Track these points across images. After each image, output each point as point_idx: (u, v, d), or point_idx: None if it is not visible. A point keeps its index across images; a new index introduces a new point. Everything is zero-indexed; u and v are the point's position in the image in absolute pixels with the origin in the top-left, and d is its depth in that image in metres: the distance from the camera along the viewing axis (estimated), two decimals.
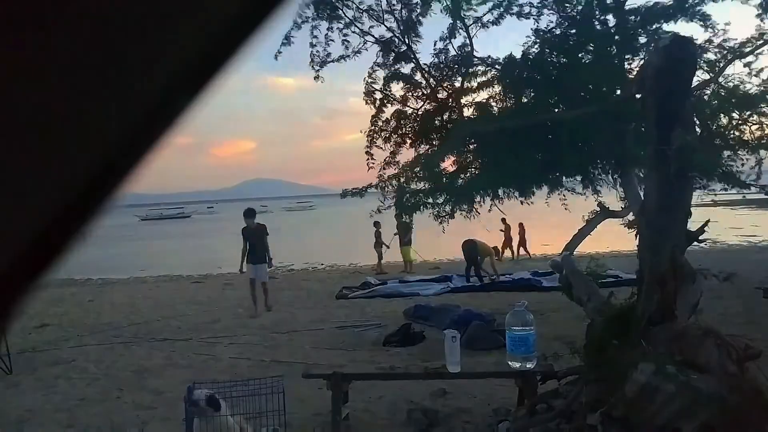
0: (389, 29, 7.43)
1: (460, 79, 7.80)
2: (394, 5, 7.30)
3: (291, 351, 6.75)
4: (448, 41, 7.50)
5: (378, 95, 7.90)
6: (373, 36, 7.42)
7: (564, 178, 7.51)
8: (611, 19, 6.88)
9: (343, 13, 7.15)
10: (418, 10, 7.25)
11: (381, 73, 7.78)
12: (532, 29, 7.13)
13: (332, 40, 7.23)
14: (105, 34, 0.24)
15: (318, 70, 7.40)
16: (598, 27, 6.92)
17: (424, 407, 4.56)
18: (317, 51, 7.26)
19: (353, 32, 7.32)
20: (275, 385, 4.02)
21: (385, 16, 7.37)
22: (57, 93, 0.25)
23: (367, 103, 7.90)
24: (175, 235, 41.69)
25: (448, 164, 7.96)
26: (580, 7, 6.91)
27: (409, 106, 8.06)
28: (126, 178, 0.28)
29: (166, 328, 8.75)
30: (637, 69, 6.84)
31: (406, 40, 7.45)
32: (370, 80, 7.78)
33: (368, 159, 8.04)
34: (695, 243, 3.77)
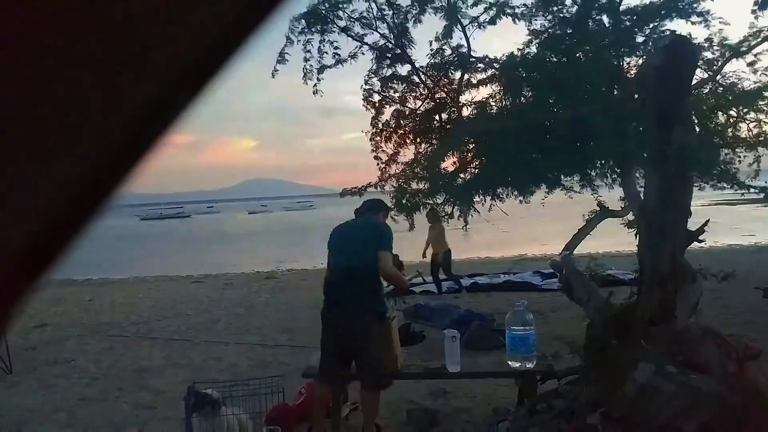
0: (383, 36, 7.44)
1: (457, 78, 7.81)
2: (385, 12, 7.29)
3: (291, 351, 6.75)
4: (444, 42, 7.50)
5: (376, 97, 7.91)
6: (366, 44, 7.43)
7: (563, 177, 7.51)
8: (608, 19, 6.89)
9: (335, 23, 7.15)
10: (413, 13, 7.24)
11: (377, 80, 7.80)
12: (529, 29, 7.14)
13: (326, 53, 7.24)
14: (104, 33, 0.24)
15: (315, 84, 7.41)
16: (595, 26, 6.93)
17: (424, 407, 4.56)
18: (311, 65, 7.27)
19: (348, 36, 7.33)
20: (275, 385, 4.02)
21: (378, 23, 7.36)
22: (56, 93, 0.25)
23: (367, 109, 7.91)
24: (176, 234, 41.70)
25: (448, 164, 7.97)
26: (576, 7, 6.92)
27: (407, 107, 8.07)
28: (126, 178, 0.28)
29: (166, 327, 8.75)
30: (636, 68, 6.85)
31: (400, 45, 7.45)
32: (367, 86, 7.80)
33: (378, 163, 8.04)
34: (695, 242, 3.77)
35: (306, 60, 7.24)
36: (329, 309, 3.88)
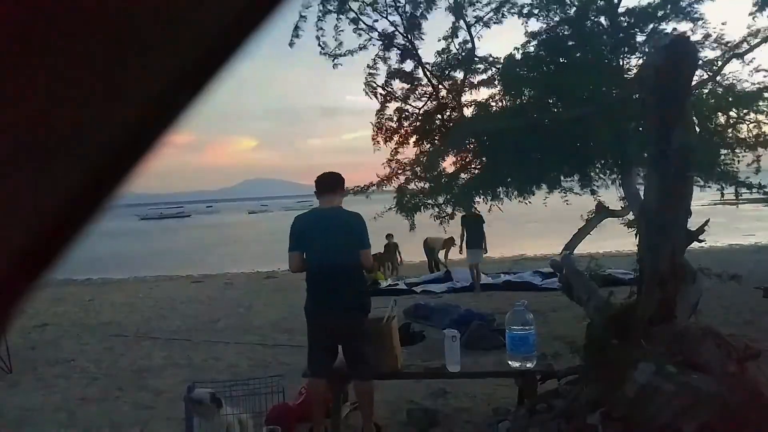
0: (392, 23, 7.46)
1: (461, 78, 7.81)
2: (399, 1, 7.32)
3: (291, 350, 6.75)
4: (450, 40, 7.52)
5: (380, 91, 7.90)
6: (377, 30, 7.44)
7: (563, 177, 7.51)
8: (608, 19, 6.89)
9: (350, 6, 7.19)
10: (422, 7, 7.26)
11: (382, 66, 7.78)
12: (528, 30, 7.15)
13: (342, 30, 7.27)
14: (105, 32, 0.24)
15: (334, 59, 7.41)
16: (595, 27, 6.93)
17: (424, 407, 4.56)
18: (324, 42, 7.30)
19: (359, 28, 7.35)
20: (275, 385, 4.02)
21: (389, 10, 7.39)
22: (56, 93, 0.25)
23: (366, 94, 7.89)
24: (176, 234, 41.69)
25: (448, 164, 7.97)
26: (575, 8, 6.93)
27: (410, 105, 8.07)
28: (126, 178, 0.28)
29: (166, 327, 8.75)
30: (636, 68, 6.86)
31: (409, 37, 7.46)
32: (371, 71, 7.78)
33: (375, 145, 8.04)
34: (696, 242, 3.77)
35: (318, 39, 7.27)
36: (314, 306, 3.90)
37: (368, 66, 7.73)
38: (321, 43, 7.31)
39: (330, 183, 4.00)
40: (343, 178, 4.12)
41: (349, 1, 7.16)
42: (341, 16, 7.18)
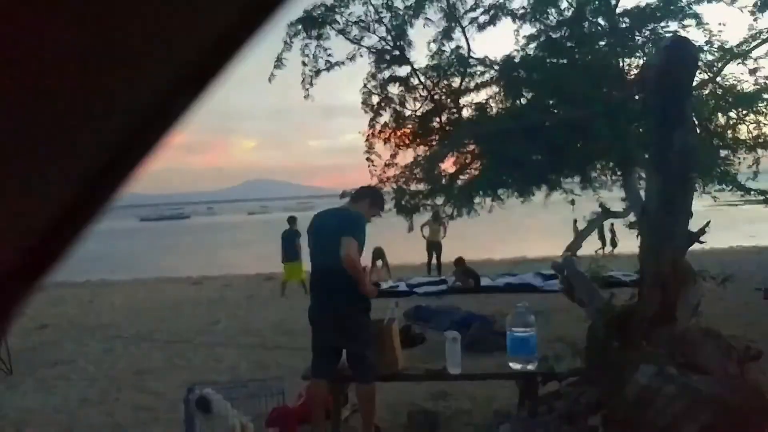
0: (381, 39, 7.44)
1: (457, 80, 7.80)
2: (382, 15, 7.29)
3: (291, 352, 6.75)
4: (443, 43, 7.50)
5: (375, 99, 7.90)
6: (364, 47, 7.44)
7: (563, 179, 7.50)
8: (604, 21, 6.90)
9: (332, 27, 7.17)
10: (410, 13, 7.24)
11: (376, 83, 7.79)
12: (526, 31, 7.15)
13: (321, 58, 7.27)
14: (105, 32, 0.24)
15: (308, 89, 7.43)
16: (592, 28, 6.94)
17: (424, 409, 4.55)
18: (310, 70, 7.30)
19: (345, 38, 7.34)
20: (275, 387, 4.02)
21: (375, 26, 7.36)
22: (57, 92, 0.25)
23: (366, 112, 7.90)
24: (176, 235, 41.70)
25: (448, 165, 7.97)
26: (572, 9, 6.94)
27: (407, 108, 8.06)
28: (126, 179, 0.28)
29: (166, 329, 8.75)
30: (636, 69, 6.86)
31: (399, 45, 7.45)
32: (365, 90, 7.80)
33: (369, 165, 8.03)
34: (696, 242, 3.76)
35: (304, 65, 7.26)
36: (314, 306, 3.90)
37: (363, 85, 7.74)
38: (305, 72, 7.31)
39: (357, 192, 4.08)
40: (377, 196, 4.15)
41: (331, 22, 7.13)
42: (321, 42, 7.17)
